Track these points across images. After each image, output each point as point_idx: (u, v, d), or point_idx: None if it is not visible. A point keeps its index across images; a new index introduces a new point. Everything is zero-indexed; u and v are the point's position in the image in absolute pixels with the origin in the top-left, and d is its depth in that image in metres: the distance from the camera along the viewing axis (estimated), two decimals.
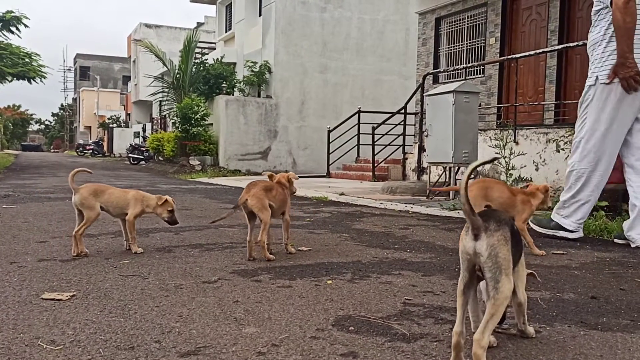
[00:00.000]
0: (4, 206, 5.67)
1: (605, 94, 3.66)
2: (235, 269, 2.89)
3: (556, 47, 7.99)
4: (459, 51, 10.86)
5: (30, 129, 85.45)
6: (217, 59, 17.07)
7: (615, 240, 3.86)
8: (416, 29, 12.22)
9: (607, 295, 2.46)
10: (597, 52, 3.72)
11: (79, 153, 38.30)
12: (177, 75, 17.20)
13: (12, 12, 16.70)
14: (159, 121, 23.19)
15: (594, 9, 3.76)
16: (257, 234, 3.10)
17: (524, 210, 3.33)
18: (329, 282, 2.63)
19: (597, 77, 3.71)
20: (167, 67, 17.70)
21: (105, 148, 37.46)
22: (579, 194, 3.83)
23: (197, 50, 18.35)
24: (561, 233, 3.91)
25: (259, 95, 16.38)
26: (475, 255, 1.54)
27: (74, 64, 59.30)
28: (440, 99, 6.80)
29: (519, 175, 6.52)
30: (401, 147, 11.34)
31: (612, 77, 3.60)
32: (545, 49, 7.96)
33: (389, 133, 11.40)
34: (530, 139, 7.99)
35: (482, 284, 1.74)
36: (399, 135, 11.36)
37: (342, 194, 7.72)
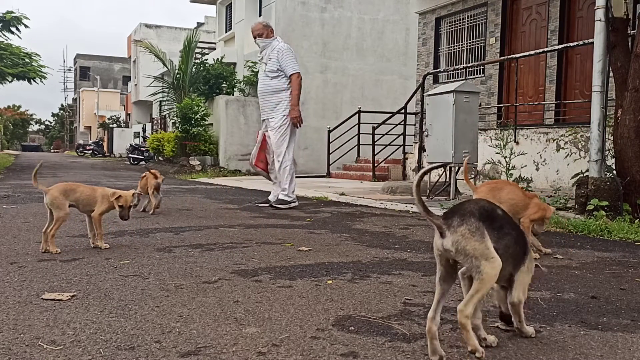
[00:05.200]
0: (4, 206, 5.67)
1: (288, 123, 6.02)
2: (236, 269, 2.89)
3: (556, 47, 7.99)
4: (459, 51, 10.86)
5: (30, 130, 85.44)
6: (217, 59, 17.04)
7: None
8: (416, 29, 12.22)
9: (607, 295, 2.46)
10: (283, 96, 6.00)
11: (79, 153, 38.25)
12: (177, 76, 17.17)
13: (12, 12, 16.70)
14: (159, 121, 23.15)
15: (271, 67, 6.00)
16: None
17: (533, 212, 3.31)
18: (329, 282, 2.63)
19: (285, 113, 6.01)
20: (167, 67, 17.68)
21: (105, 148, 37.40)
22: (292, 180, 6.03)
23: (197, 50, 18.31)
24: (292, 205, 5.94)
25: None
26: (445, 252, 1.64)
27: (74, 64, 59.24)
28: (441, 99, 6.80)
29: (520, 175, 6.52)
30: (401, 147, 11.34)
31: (290, 115, 6.01)
32: (546, 49, 7.96)
33: (389, 133, 11.39)
34: (531, 139, 7.99)
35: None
36: (399, 135, 11.36)
37: (342, 194, 7.73)
